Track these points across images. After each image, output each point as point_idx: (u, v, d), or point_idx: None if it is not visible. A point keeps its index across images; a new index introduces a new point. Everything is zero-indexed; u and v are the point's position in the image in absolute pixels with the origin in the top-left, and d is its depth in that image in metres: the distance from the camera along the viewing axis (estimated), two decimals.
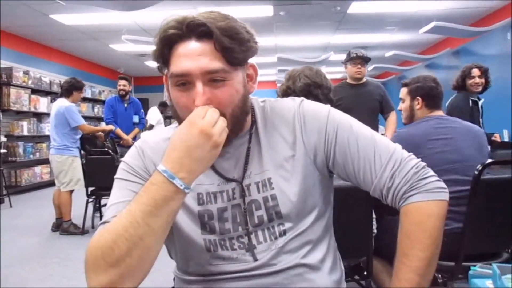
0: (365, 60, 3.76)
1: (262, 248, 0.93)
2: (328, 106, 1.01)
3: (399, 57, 9.78)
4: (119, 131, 5.45)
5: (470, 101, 3.77)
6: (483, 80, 3.78)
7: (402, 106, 2.36)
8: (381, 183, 0.93)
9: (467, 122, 2.21)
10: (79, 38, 8.32)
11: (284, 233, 0.94)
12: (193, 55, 0.85)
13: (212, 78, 0.86)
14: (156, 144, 0.98)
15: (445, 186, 0.93)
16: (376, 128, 2.75)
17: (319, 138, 0.96)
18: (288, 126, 0.97)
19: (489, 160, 1.86)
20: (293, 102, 1.01)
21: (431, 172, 0.94)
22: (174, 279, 1.07)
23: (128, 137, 5.48)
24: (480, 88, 3.79)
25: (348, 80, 3.87)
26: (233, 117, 0.89)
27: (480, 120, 3.83)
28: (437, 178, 0.93)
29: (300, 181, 0.95)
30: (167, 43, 0.86)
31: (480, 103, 3.87)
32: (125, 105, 5.60)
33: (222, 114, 0.85)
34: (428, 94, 2.25)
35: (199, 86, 0.85)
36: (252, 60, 0.96)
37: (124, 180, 0.94)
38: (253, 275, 0.92)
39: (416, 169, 0.92)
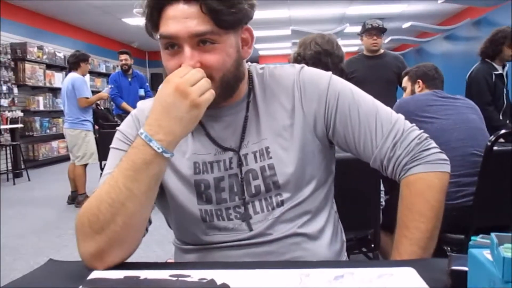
0: (381, 31, 3.65)
1: (259, 218, 0.92)
2: (330, 73, 0.98)
3: (416, 28, 9.53)
4: (125, 105, 5.48)
5: (493, 75, 3.38)
6: None
7: (404, 94, 2.43)
8: (382, 154, 0.90)
9: (468, 107, 2.16)
10: (91, 13, 8.29)
11: (281, 203, 0.92)
12: (180, 18, 0.82)
13: (200, 40, 0.83)
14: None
15: (446, 158, 0.90)
16: (393, 101, 2.68)
17: (319, 106, 0.93)
18: (287, 94, 0.94)
19: (503, 131, 1.81)
20: (293, 69, 0.97)
21: (433, 144, 0.91)
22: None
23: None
24: None
25: (365, 52, 3.77)
26: (223, 82, 0.86)
27: (504, 91, 3.50)
28: (439, 150, 0.91)
29: (299, 150, 0.92)
30: (156, 6, 0.84)
31: (505, 70, 3.49)
32: (129, 79, 5.63)
33: (211, 77, 0.82)
34: (427, 75, 2.31)
35: (187, 49, 0.82)
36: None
37: (118, 149, 0.93)
38: (248, 244, 0.91)
39: (418, 140, 0.90)
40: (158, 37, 0.86)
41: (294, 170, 0.91)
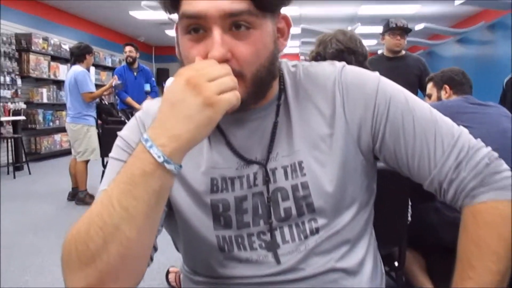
0: (405, 31, 3.46)
1: (288, 248, 0.75)
2: (377, 73, 0.81)
3: (429, 31, 9.31)
4: (130, 100, 5.31)
5: None
6: None
7: (429, 101, 2.23)
8: (442, 175, 0.73)
9: (502, 115, 1.98)
10: (99, 5, 8.14)
11: (316, 231, 0.76)
12: None
13: (234, 23, 0.67)
14: None
15: None
16: None
17: (365, 112, 0.76)
18: (326, 97, 0.77)
19: None
20: (332, 67, 0.81)
21: (505, 165, 0.74)
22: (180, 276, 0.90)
23: (140, 106, 5.32)
24: None
25: (385, 53, 3.59)
26: (257, 79, 0.70)
27: None
28: None
29: (339, 166, 0.75)
30: None
31: None
32: (134, 73, 5.46)
33: (241, 74, 0.66)
34: (454, 80, 2.11)
35: (217, 33, 0.66)
36: None
37: (117, 160, 0.77)
38: (275, 282, 0.75)
39: (488, 160, 0.72)
40: (177, 18, 0.69)
41: (333, 190, 0.75)
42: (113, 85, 4.98)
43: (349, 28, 9.10)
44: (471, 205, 0.72)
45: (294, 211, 0.75)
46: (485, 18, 8.29)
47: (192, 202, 0.77)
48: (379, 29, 3.87)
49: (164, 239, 0.80)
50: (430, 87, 2.27)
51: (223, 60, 0.65)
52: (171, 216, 0.78)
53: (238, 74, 0.66)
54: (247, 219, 0.76)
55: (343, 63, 0.82)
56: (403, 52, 3.57)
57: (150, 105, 0.83)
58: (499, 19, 7.65)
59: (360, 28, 9.00)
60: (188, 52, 0.68)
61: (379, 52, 4.13)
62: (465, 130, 0.77)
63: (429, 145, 0.74)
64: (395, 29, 3.43)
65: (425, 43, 10.88)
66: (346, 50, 1.80)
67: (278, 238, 0.75)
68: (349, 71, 0.80)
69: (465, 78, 2.15)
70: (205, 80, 0.60)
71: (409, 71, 3.45)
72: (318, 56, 1.83)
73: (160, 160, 0.59)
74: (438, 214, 1.86)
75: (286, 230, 0.76)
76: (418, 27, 8.75)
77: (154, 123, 0.62)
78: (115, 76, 5.18)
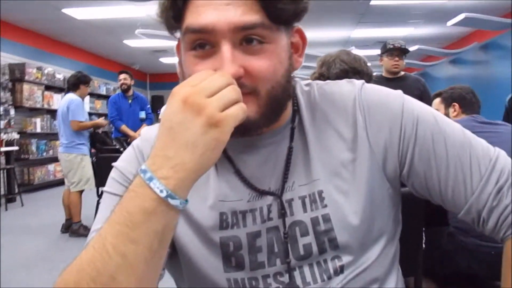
0: (403, 52, 3.44)
1: None
2: (400, 91, 0.73)
3: (423, 52, 9.39)
4: (125, 128, 5.24)
5: None
6: None
7: None
8: (480, 202, 0.64)
9: None
10: (92, 33, 8.15)
11: (341, 270, 0.66)
12: (219, 4, 0.58)
13: (245, 37, 0.59)
14: None
15: None
16: None
17: (390, 135, 0.68)
18: (347, 118, 0.69)
19: None
20: (351, 85, 0.73)
21: None
22: None
23: (135, 134, 5.26)
24: None
25: (384, 74, 3.56)
26: (272, 97, 0.62)
27: None
28: None
29: (364, 195, 0.67)
30: None
31: None
32: (129, 101, 5.41)
33: (255, 91, 0.59)
34: (464, 98, 2.06)
35: (226, 48, 0.58)
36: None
37: (113, 194, 0.68)
38: None
39: None
40: (179, 33, 0.61)
41: (358, 223, 0.66)
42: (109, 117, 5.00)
43: None
44: None
45: (315, 248, 0.66)
46: (478, 38, 8.36)
47: (198, 241, 0.67)
48: (373, 51, 3.86)
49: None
50: (437, 103, 2.21)
51: (235, 78, 0.57)
52: (174, 257, 0.69)
53: (251, 91, 0.59)
54: (261, 258, 0.67)
55: (362, 81, 0.74)
56: (402, 73, 3.55)
57: (148, 131, 0.74)
58: (492, 39, 7.72)
59: (354, 51, 9.02)
60: (192, 71, 0.60)
61: (375, 73, 4.12)
62: (502, 152, 0.69)
63: (464, 169, 0.65)
64: (393, 50, 3.42)
65: (419, 65, 10.96)
66: (351, 70, 1.74)
67: (298, 280, 0.66)
68: (370, 90, 0.72)
69: (475, 98, 2.09)
70: (204, 96, 0.52)
71: (409, 92, 3.36)
72: (321, 77, 1.77)
73: (163, 195, 0.50)
74: (453, 239, 1.77)
75: (306, 270, 0.66)
76: (412, 49, 8.80)
77: (152, 151, 0.53)
78: (103, 121, 5.12)
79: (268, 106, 0.62)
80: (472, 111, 2.02)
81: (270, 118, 0.64)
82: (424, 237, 1.68)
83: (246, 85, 0.59)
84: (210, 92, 0.52)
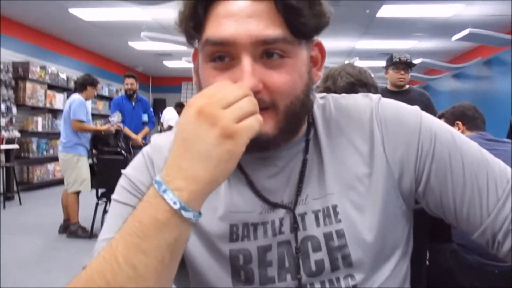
0: (409, 66, 3.43)
1: None
2: (417, 107, 0.72)
3: (426, 65, 9.40)
4: (127, 130, 5.23)
5: None
6: None
7: None
8: (496, 225, 0.63)
9: None
10: (97, 34, 8.17)
11: None
12: (241, 16, 0.57)
13: (266, 51, 0.58)
14: None
15: None
16: None
17: (407, 151, 0.66)
18: (363, 132, 0.68)
19: None
20: (367, 99, 0.72)
21: None
22: None
23: (137, 137, 5.26)
24: None
25: (389, 87, 3.54)
26: (290, 112, 0.61)
27: None
28: None
29: (380, 211, 0.65)
30: None
31: None
32: (133, 103, 5.41)
33: (273, 105, 0.58)
34: (467, 115, 2.05)
35: (247, 62, 0.57)
36: None
37: (122, 203, 0.66)
38: None
39: None
40: (198, 44, 0.61)
41: (373, 240, 0.65)
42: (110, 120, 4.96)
43: (347, 62, 9.19)
44: None
45: (327, 265, 0.65)
46: (482, 54, 8.38)
47: (207, 253, 0.66)
48: (376, 63, 3.85)
49: None
50: None
51: (254, 92, 0.56)
52: (182, 268, 0.67)
53: (269, 106, 0.58)
54: (271, 273, 0.65)
55: (379, 95, 0.73)
56: (407, 86, 3.54)
57: (159, 140, 0.72)
58: (495, 55, 7.73)
59: (358, 62, 9.02)
60: (210, 83, 0.58)
61: (378, 85, 4.12)
62: None
63: (481, 190, 0.64)
64: (399, 63, 3.41)
65: (422, 78, 10.97)
66: (358, 83, 1.73)
67: None
68: (388, 104, 0.71)
69: (477, 113, 2.09)
70: (220, 107, 0.51)
71: (413, 105, 3.39)
72: (327, 91, 1.76)
73: (176, 207, 0.49)
74: (456, 257, 1.75)
75: (317, 287, 0.65)
76: (415, 61, 8.82)
77: (166, 163, 0.52)
78: (112, 119, 5.07)
79: (286, 122, 0.61)
80: (476, 127, 2.02)
81: (288, 134, 0.63)
82: (427, 254, 1.67)
83: (265, 100, 0.58)
84: (226, 103, 0.51)
